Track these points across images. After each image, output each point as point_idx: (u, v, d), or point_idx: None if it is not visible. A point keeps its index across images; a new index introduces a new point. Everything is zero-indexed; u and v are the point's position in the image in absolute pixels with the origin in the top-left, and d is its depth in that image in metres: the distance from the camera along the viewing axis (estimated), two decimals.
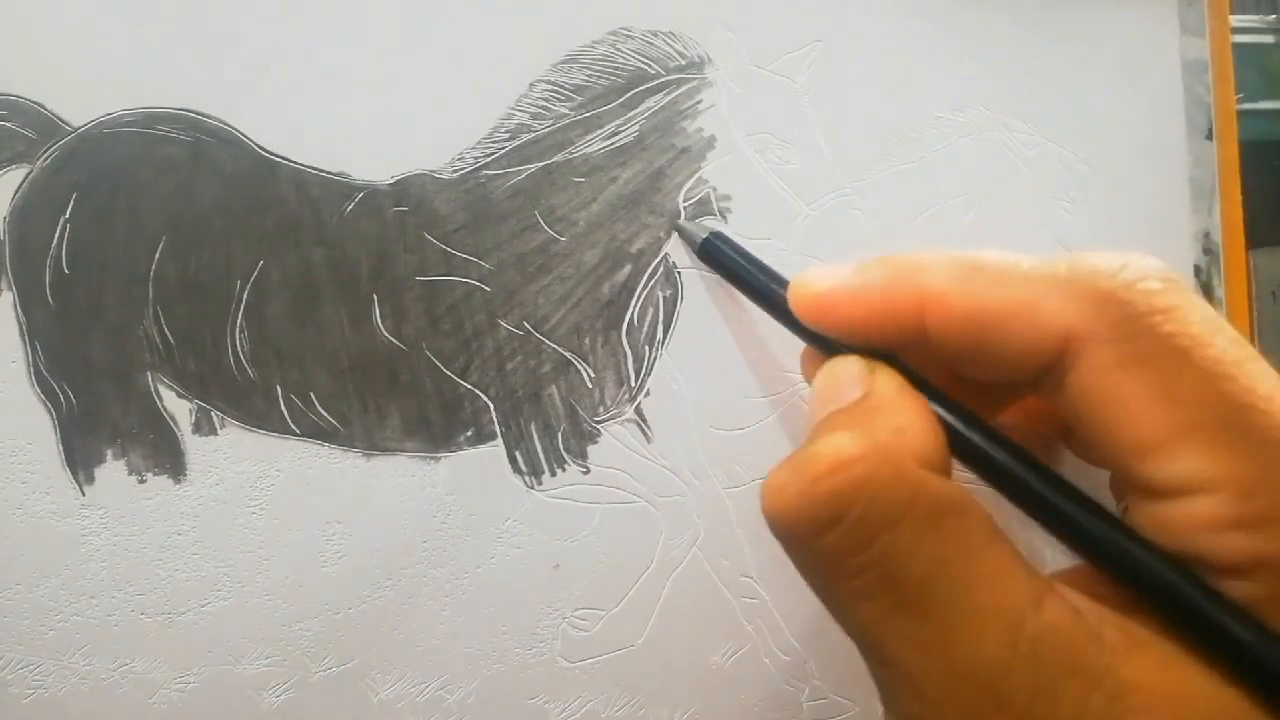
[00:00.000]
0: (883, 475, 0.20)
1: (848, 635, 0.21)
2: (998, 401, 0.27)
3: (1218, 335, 0.20)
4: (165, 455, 0.30)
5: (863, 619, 0.20)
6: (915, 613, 0.19)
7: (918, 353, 0.23)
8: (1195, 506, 0.20)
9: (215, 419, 0.30)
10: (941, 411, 0.23)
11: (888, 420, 0.21)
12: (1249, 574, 0.20)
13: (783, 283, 0.27)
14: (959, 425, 0.23)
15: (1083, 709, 0.19)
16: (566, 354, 0.33)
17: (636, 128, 0.33)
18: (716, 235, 0.32)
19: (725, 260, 0.31)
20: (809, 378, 0.27)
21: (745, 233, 0.34)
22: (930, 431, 0.22)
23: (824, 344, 0.26)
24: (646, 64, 0.34)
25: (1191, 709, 0.19)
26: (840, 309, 0.24)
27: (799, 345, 0.31)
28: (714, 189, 0.34)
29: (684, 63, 0.34)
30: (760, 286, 0.29)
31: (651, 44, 0.34)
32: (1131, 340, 0.20)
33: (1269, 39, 0.61)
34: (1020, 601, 0.19)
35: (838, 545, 0.20)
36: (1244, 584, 0.20)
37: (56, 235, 0.30)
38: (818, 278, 0.25)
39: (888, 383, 0.23)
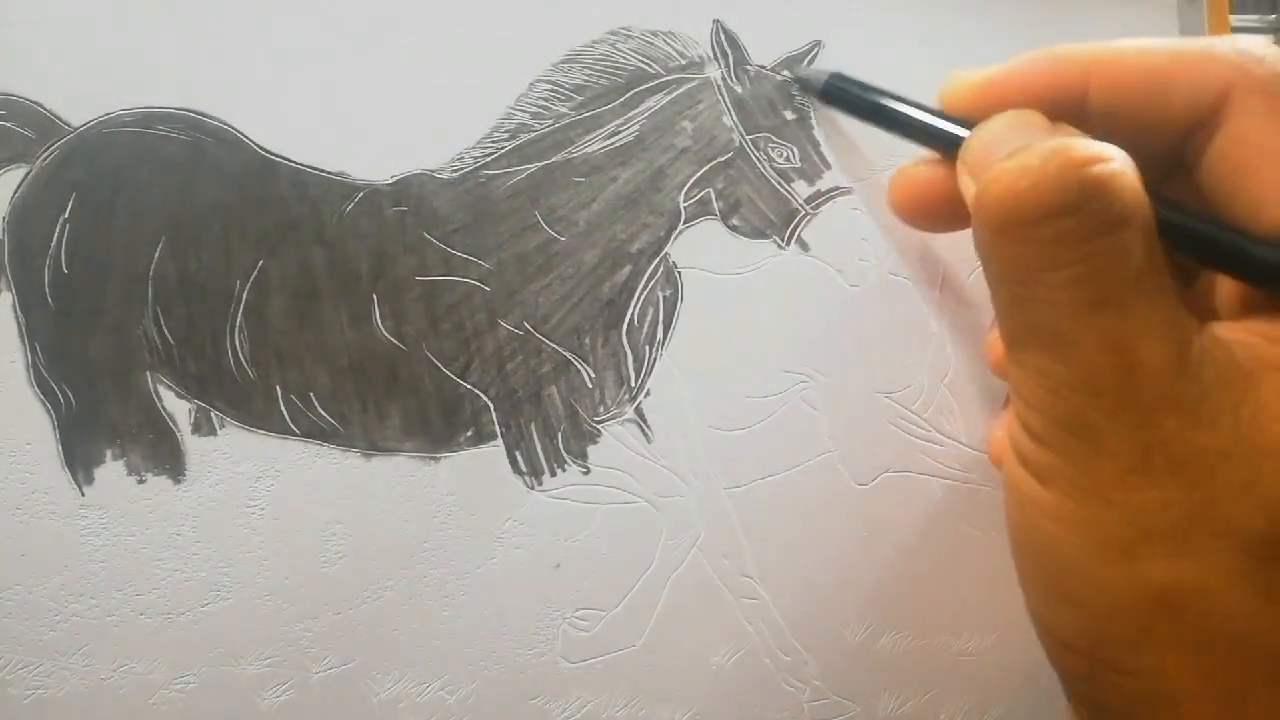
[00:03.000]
0: (1129, 178, 0.21)
1: (1014, 331, 0.23)
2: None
3: None
4: (165, 455, 0.30)
5: (1060, 310, 0.22)
6: (1114, 311, 0.21)
7: (1074, 123, 0.25)
8: None
9: (215, 419, 0.30)
10: None
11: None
12: None
13: (916, 105, 0.29)
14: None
15: (1235, 416, 0.21)
16: (566, 354, 0.33)
17: (636, 127, 0.33)
18: (837, 76, 0.32)
19: (851, 98, 0.32)
20: (900, 199, 0.30)
21: (744, 233, 0.34)
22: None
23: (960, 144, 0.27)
24: (646, 64, 0.34)
25: None
26: (1004, 87, 0.26)
27: (799, 346, 0.31)
28: (714, 189, 0.34)
29: (684, 63, 0.34)
30: (895, 112, 0.30)
31: (651, 44, 0.34)
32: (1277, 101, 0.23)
33: (1269, 39, 0.61)
34: (1189, 320, 0.22)
35: (1070, 231, 0.21)
36: None
37: (56, 235, 0.30)
38: (972, 71, 0.27)
39: (1075, 131, 0.25)
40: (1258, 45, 0.24)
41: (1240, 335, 0.22)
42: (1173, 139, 0.25)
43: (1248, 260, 0.24)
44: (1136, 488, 0.21)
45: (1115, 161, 0.21)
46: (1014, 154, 0.22)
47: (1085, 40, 0.26)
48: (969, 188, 0.26)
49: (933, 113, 0.29)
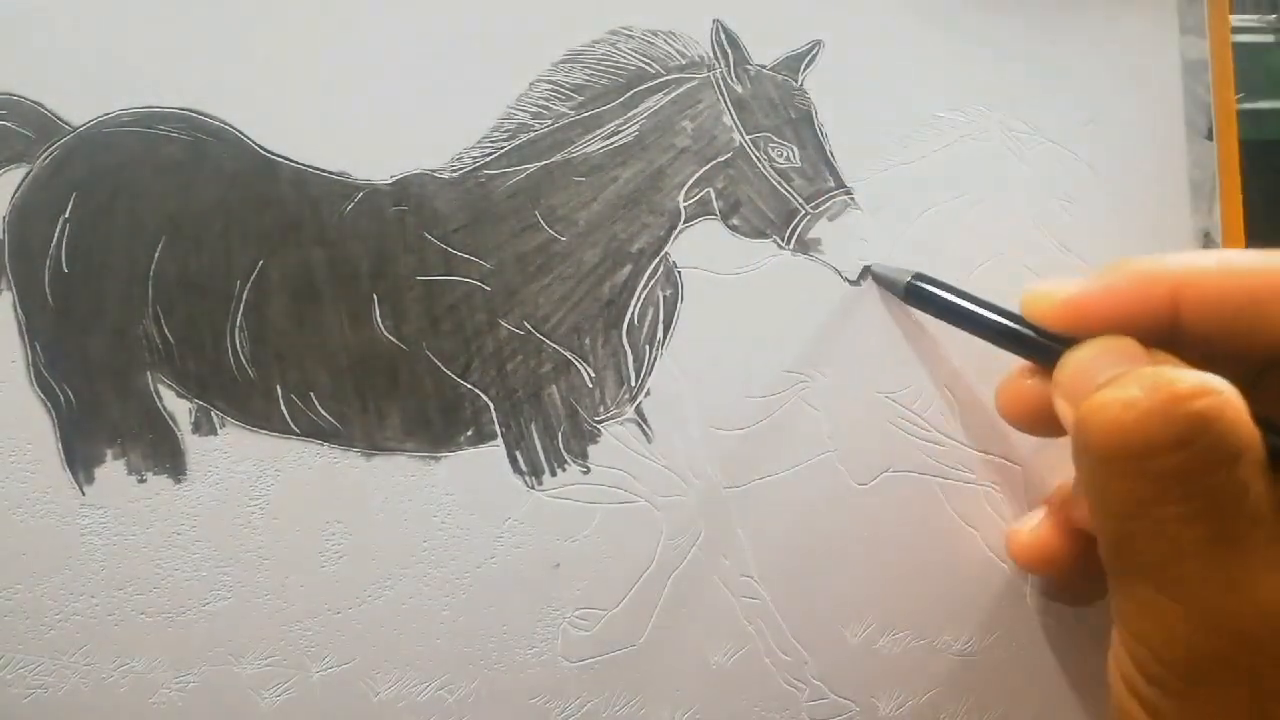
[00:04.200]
0: (1237, 410, 0.21)
1: (1126, 566, 0.22)
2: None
3: None
4: (165, 455, 0.30)
5: (1175, 547, 0.21)
6: (1231, 549, 0.20)
7: (1164, 347, 0.24)
8: None
9: (215, 419, 0.30)
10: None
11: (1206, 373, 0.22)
12: None
13: (993, 308, 0.29)
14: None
15: None
16: (567, 354, 0.33)
17: (636, 127, 0.33)
18: (920, 276, 0.32)
19: (933, 298, 0.32)
20: (1009, 412, 0.29)
21: (744, 232, 0.34)
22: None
23: (1053, 355, 0.26)
24: (646, 64, 0.34)
25: None
26: (1090, 308, 0.25)
27: (799, 346, 0.31)
28: (714, 189, 0.34)
29: (684, 62, 0.34)
30: (976, 315, 0.30)
31: (651, 44, 0.34)
32: None
33: (1269, 39, 0.61)
34: None
35: (1181, 467, 0.20)
36: None
37: (56, 235, 0.30)
38: (1055, 287, 0.26)
39: (1173, 359, 0.24)
40: None
41: None
42: (1269, 358, 0.24)
43: None
44: None
45: (1223, 394, 0.21)
46: (1115, 381, 0.21)
47: (1085, 39, 0.25)
48: (1066, 412, 0.25)
49: (1018, 321, 0.28)
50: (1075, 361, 0.25)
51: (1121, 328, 0.25)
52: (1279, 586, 0.20)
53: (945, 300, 0.32)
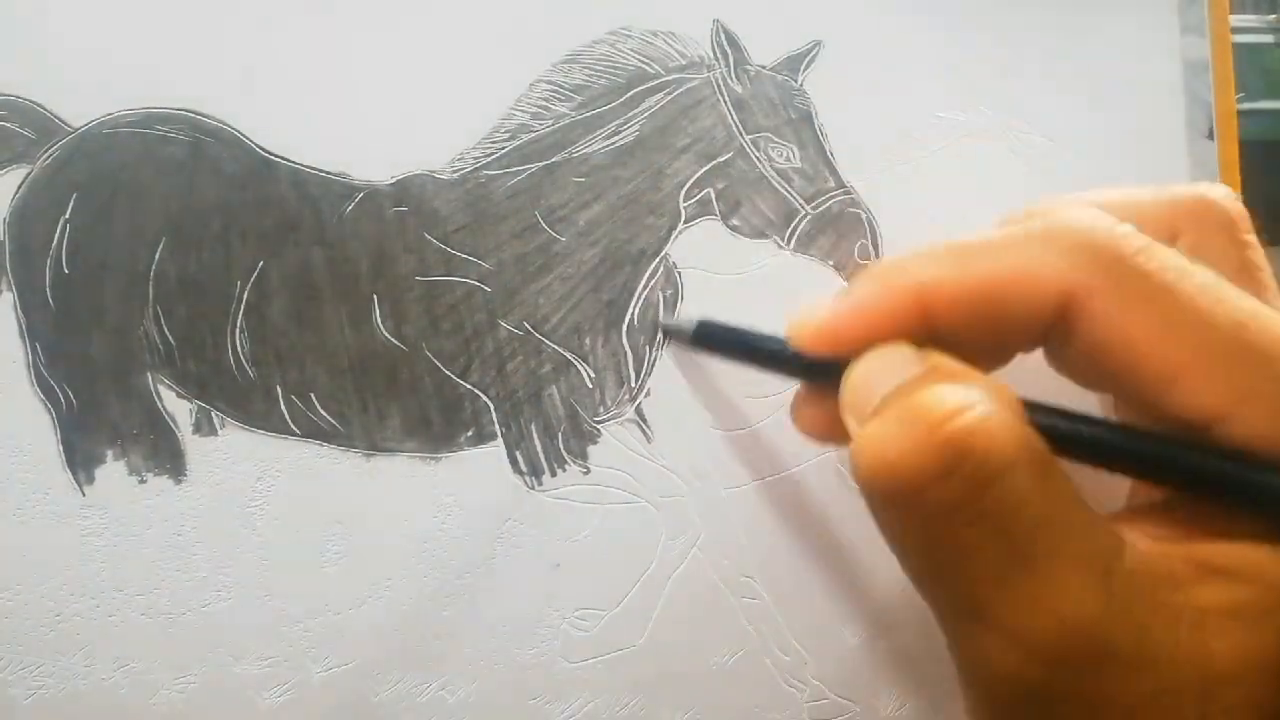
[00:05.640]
0: (997, 422, 0.19)
1: (938, 602, 0.21)
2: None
3: (1192, 266, 0.21)
4: (165, 455, 0.30)
5: (971, 574, 0.20)
6: (1024, 565, 0.19)
7: (925, 345, 0.23)
8: (1233, 430, 0.21)
9: (215, 419, 0.30)
10: None
11: (971, 379, 0.21)
12: None
13: (780, 340, 0.27)
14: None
15: (1174, 643, 0.19)
16: (567, 354, 0.33)
17: (637, 128, 0.33)
18: (704, 323, 0.31)
19: (719, 339, 0.30)
20: (805, 425, 0.26)
21: (744, 233, 0.34)
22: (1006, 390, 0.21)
23: (836, 371, 0.25)
24: (646, 64, 0.34)
25: (1264, 625, 0.20)
26: (844, 330, 0.24)
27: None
28: (714, 189, 0.34)
29: (684, 62, 0.34)
30: (762, 349, 0.28)
31: (651, 44, 0.34)
32: (1125, 284, 0.21)
33: (1269, 39, 0.61)
34: (1106, 548, 0.20)
35: (952, 496, 0.19)
36: None
37: (56, 235, 0.30)
38: (810, 312, 0.25)
39: (944, 357, 0.22)
40: (1086, 225, 0.22)
41: (1161, 550, 0.21)
42: (1031, 344, 0.23)
43: (1143, 461, 0.22)
44: None
45: (977, 407, 0.19)
46: (879, 412, 0.20)
47: (1085, 38, 0.25)
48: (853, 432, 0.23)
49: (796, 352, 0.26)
50: (853, 379, 0.23)
51: (880, 340, 0.23)
52: (1077, 597, 0.19)
53: (730, 340, 0.30)
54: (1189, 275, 0.21)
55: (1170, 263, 0.21)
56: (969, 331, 0.23)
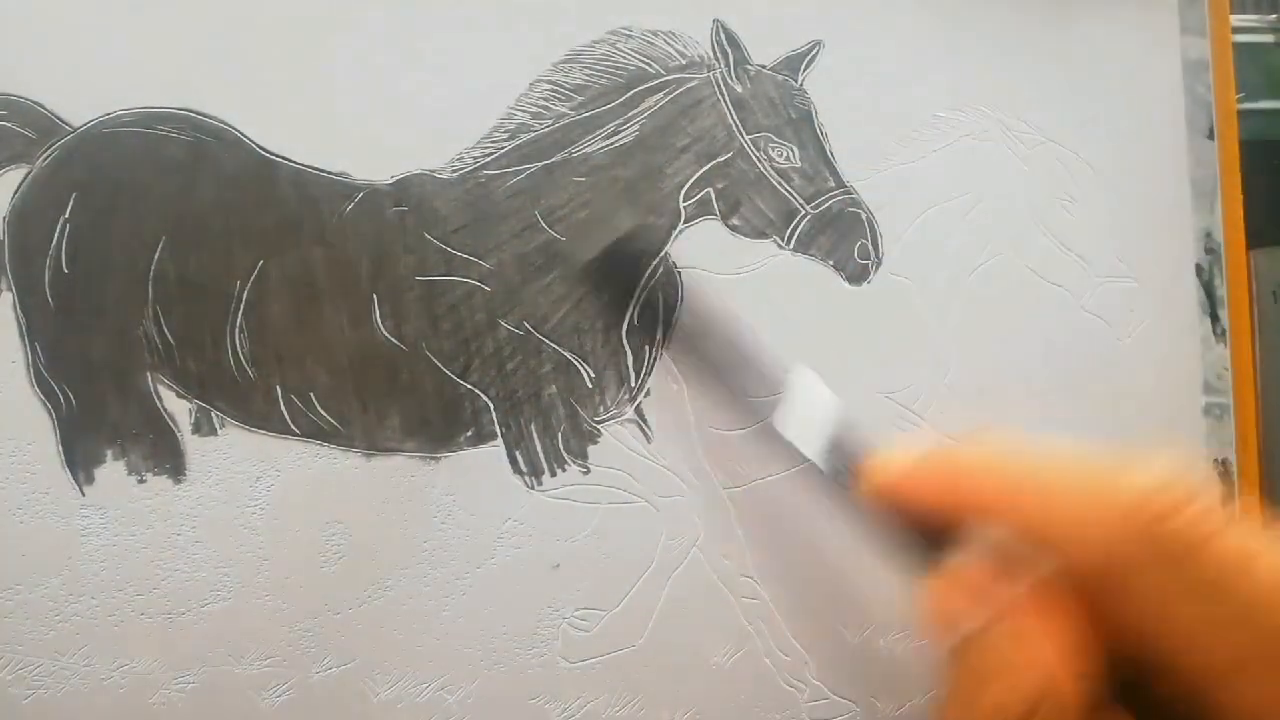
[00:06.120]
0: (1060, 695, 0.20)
1: None
2: None
3: (1254, 561, 0.20)
4: (165, 455, 0.30)
5: None
6: None
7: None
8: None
9: (215, 419, 0.30)
10: None
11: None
12: None
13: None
14: None
15: None
16: (566, 354, 0.33)
17: (636, 127, 0.33)
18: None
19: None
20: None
21: (744, 233, 0.34)
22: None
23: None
24: (646, 64, 0.34)
25: None
26: (911, 501, 0.24)
27: (798, 347, 0.31)
28: (714, 189, 0.34)
29: (684, 62, 0.34)
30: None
31: (651, 44, 0.34)
32: (1178, 568, 0.20)
33: (1269, 39, 0.61)
34: None
35: None
36: None
37: (56, 235, 0.30)
38: (889, 466, 0.25)
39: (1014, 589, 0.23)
40: (1145, 493, 0.21)
41: None
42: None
43: None
44: None
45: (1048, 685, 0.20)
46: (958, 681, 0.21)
47: (1085, 39, 0.25)
48: (932, 630, 0.24)
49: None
50: (936, 597, 0.24)
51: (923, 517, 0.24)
52: None
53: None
54: (1244, 573, 0.20)
55: (1230, 555, 0.21)
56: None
